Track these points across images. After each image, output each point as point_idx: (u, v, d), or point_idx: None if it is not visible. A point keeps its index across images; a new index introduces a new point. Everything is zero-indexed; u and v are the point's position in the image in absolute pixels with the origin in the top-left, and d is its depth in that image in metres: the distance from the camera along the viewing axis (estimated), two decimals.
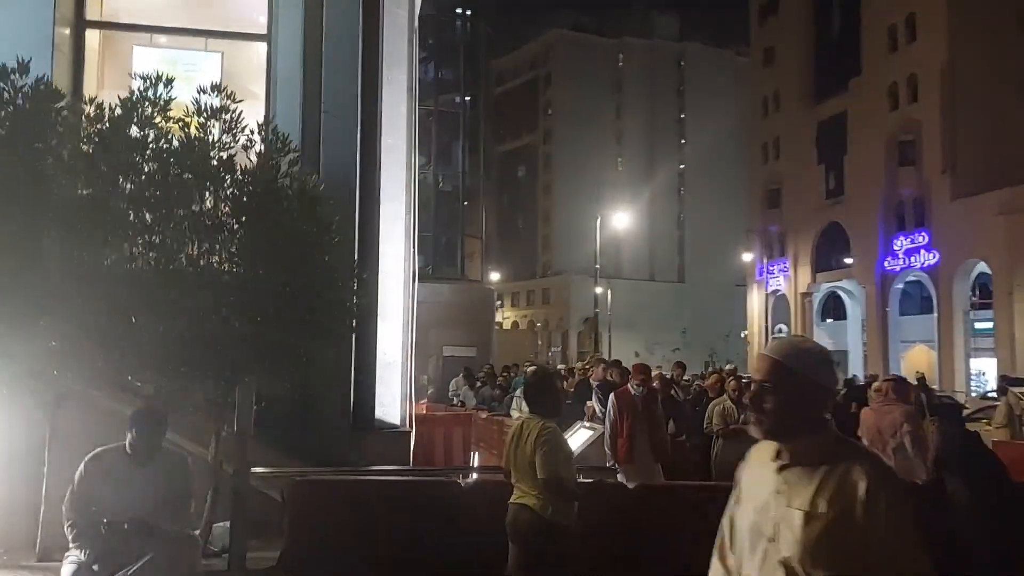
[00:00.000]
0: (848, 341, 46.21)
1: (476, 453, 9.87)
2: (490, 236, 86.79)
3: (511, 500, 4.45)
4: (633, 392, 7.29)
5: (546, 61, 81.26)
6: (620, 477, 6.92)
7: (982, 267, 36.46)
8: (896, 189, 40.68)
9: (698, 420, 9.05)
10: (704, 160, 78.08)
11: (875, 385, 7.61)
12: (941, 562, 2.04)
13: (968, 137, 37.21)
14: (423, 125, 19.99)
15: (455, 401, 13.17)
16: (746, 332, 53.89)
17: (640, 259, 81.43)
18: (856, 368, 42.82)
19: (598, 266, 36.50)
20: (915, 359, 41.66)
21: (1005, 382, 13.98)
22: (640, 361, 9.49)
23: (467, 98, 20.65)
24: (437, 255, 20.08)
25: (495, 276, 77.48)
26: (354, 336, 6.58)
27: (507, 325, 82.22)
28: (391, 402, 7.00)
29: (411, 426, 8.00)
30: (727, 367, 27.38)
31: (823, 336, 48.62)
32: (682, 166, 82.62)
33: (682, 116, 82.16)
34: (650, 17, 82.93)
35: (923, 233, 38.88)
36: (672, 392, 8.30)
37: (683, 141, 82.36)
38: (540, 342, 77.56)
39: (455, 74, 20.68)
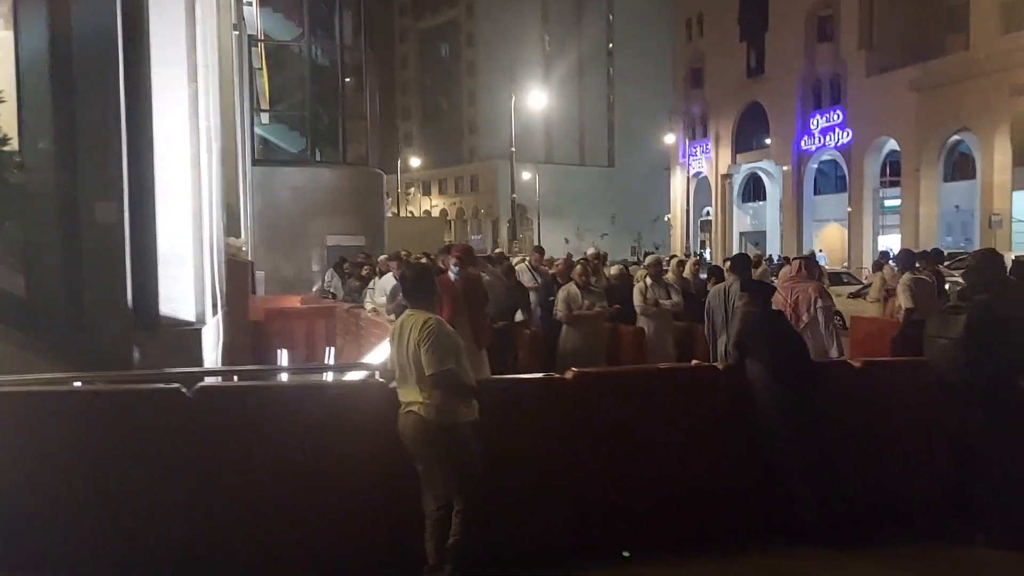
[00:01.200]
0: (767, 222, 46.86)
1: (332, 349, 9.47)
2: (411, 119, 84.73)
3: (401, 410, 4.15)
4: (452, 277, 6.91)
5: None
6: None
7: (892, 145, 36.82)
8: (814, 67, 40.38)
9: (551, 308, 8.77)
10: (634, 39, 76.27)
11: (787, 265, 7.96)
12: None
13: (885, 12, 36.82)
14: None
15: (328, 294, 12.70)
16: (668, 216, 54.16)
17: (570, 143, 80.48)
18: (773, 247, 43.69)
19: (513, 149, 35.61)
20: (828, 237, 42.58)
21: (882, 258, 14.13)
22: (570, 250, 9.26)
23: None
24: (316, 137, 19.01)
25: (415, 162, 75.89)
26: (127, 222, 5.98)
27: (435, 213, 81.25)
28: (180, 297, 6.47)
29: (216, 321, 7.51)
30: (648, 252, 27.48)
31: (743, 217, 49.35)
32: (611, 45, 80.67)
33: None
34: None
35: (838, 111, 38.92)
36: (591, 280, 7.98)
37: (611, 17, 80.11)
38: (461, 230, 76.98)
39: None
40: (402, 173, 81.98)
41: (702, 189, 50.66)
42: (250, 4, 14.26)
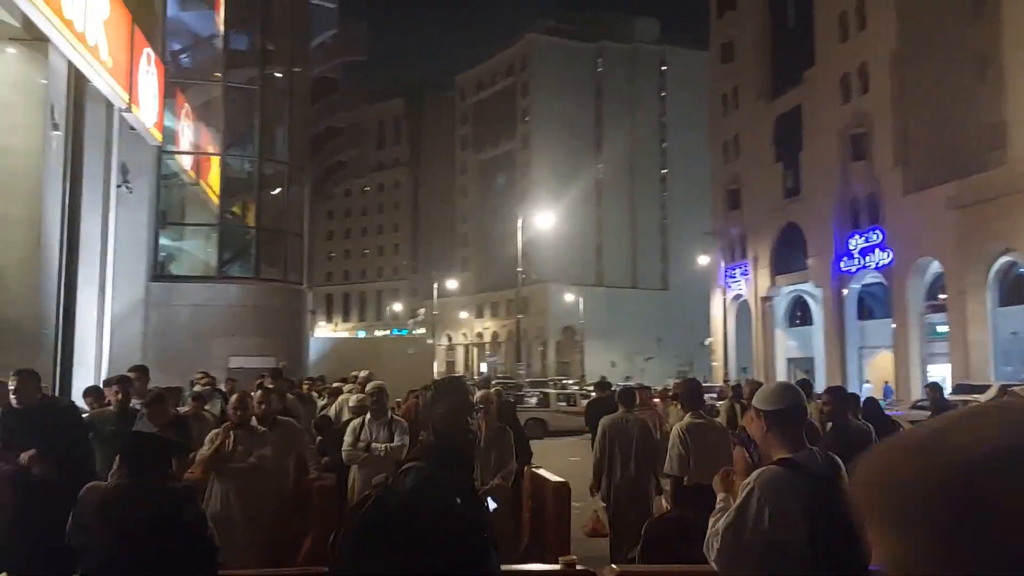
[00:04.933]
0: (815, 348, 43.80)
1: None
2: (469, 246, 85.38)
3: None
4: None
5: (523, 68, 79.55)
6: None
7: (937, 266, 34.06)
8: (850, 185, 38.46)
9: None
10: (686, 163, 75.88)
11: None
12: None
13: (920, 129, 34.99)
14: (227, 100, 18.30)
15: None
16: (710, 339, 51.56)
17: (622, 266, 79.33)
18: (820, 376, 40.54)
19: (520, 269, 34.58)
20: (879, 365, 39.26)
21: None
22: (624, 373, 7.83)
23: (279, 74, 18.68)
24: (229, 252, 18.16)
25: (452, 284, 75.81)
26: None
27: (487, 336, 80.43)
28: None
29: None
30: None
31: (790, 342, 46.37)
32: (664, 170, 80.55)
33: (663, 119, 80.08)
34: (630, 21, 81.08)
35: (877, 231, 36.59)
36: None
37: (664, 144, 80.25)
38: (511, 353, 75.49)
39: (278, 46, 18.77)
40: (454, 296, 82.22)
41: (744, 312, 48.16)
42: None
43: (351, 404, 7.04)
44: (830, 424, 6.30)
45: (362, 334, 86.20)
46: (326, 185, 63.38)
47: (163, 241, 17.67)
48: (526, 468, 7.14)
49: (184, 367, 13.30)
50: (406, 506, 2.40)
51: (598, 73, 79.89)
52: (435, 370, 65.61)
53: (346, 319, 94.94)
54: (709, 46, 52.63)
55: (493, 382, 17.24)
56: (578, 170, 76.01)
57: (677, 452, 5.65)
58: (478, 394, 6.73)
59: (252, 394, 6.51)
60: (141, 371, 6.89)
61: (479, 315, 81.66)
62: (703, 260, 50.89)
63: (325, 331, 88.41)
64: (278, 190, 19.26)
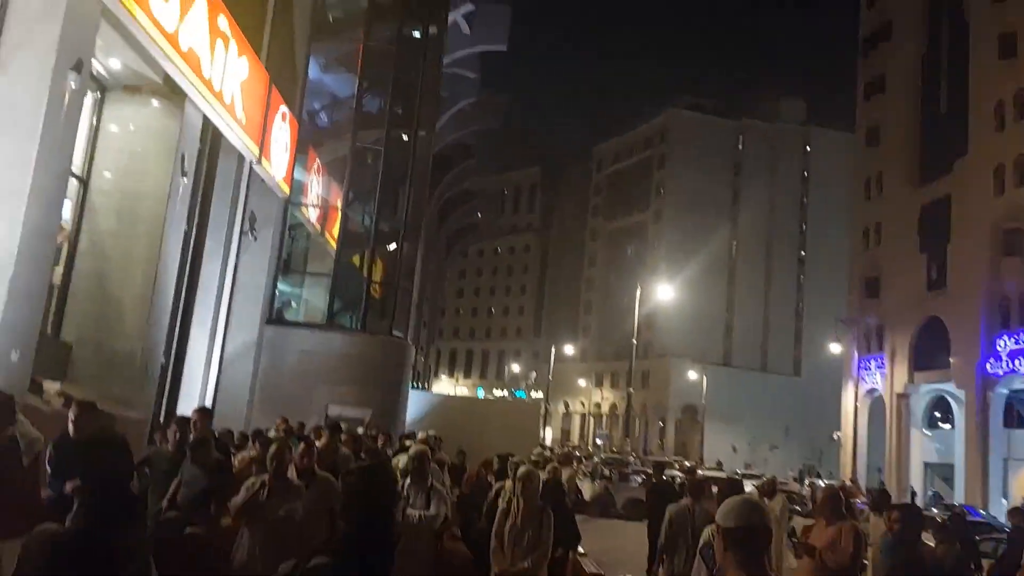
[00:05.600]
0: (955, 452, 40.39)
1: None
2: (591, 313, 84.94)
3: None
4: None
5: (661, 140, 79.62)
6: None
7: None
8: (1001, 281, 35.71)
9: None
10: (826, 248, 73.01)
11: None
12: None
13: None
14: (354, 158, 19.20)
15: None
16: (839, 434, 48.60)
17: (751, 347, 76.61)
18: (960, 485, 37.34)
19: (635, 342, 33.84)
20: None
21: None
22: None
23: (405, 136, 19.48)
24: (341, 303, 18.77)
25: (570, 350, 75.15)
26: None
27: (605, 406, 79.19)
28: None
29: None
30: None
31: (929, 445, 43.00)
32: (803, 252, 77.75)
33: (805, 201, 77.72)
34: (775, 100, 79.84)
35: None
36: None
37: (804, 227, 77.69)
38: (629, 426, 73.99)
39: (405, 110, 19.66)
40: (575, 363, 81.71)
41: (878, 407, 45.20)
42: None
43: (400, 466, 6.99)
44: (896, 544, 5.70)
45: (481, 392, 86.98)
46: (457, 245, 65.36)
47: (281, 287, 18.65)
48: (570, 553, 6.85)
49: (288, 409, 13.74)
50: None
51: (738, 150, 78.83)
52: (543, 436, 65.17)
53: (467, 375, 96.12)
54: (855, 129, 50.94)
55: (595, 459, 16.68)
56: (709, 246, 74.64)
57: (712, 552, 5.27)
58: (520, 470, 6.53)
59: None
60: (203, 413, 7.13)
61: (598, 383, 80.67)
62: (835, 348, 48.35)
63: (446, 385, 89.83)
64: (392, 246, 19.92)
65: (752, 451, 65.24)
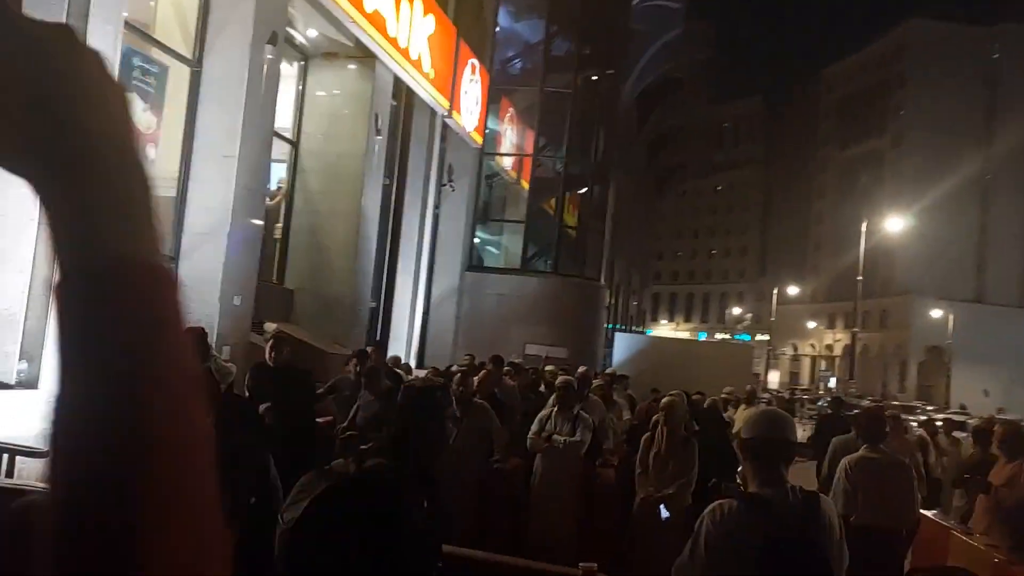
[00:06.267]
0: None
1: None
2: (820, 250, 79.88)
3: None
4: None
5: (899, 58, 72.37)
6: None
7: None
8: None
9: None
10: None
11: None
12: None
13: None
14: (543, 104, 19.45)
15: None
16: None
17: (1010, 282, 68.76)
18: None
19: (860, 278, 31.60)
20: None
21: None
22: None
23: (598, 76, 19.26)
24: (535, 247, 19.15)
25: (794, 291, 71.11)
26: None
27: (837, 348, 74.92)
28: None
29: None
30: None
31: None
32: None
33: None
34: None
35: None
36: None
37: None
38: (865, 369, 69.69)
39: (594, 51, 19.47)
40: (803, 304, 77.82)
41: None
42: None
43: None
44: None
45: (703, 336, 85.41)
46: (670, 184, 64.05)
47: (481, 234, 19.54)
48: (723, 484, 6.86)
49: (488, 348, 14.53)
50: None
51: (993, 61, 69.84)
52: (765, 379, 62.81)
53: (688, 319, 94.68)
54: None
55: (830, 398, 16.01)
56: (958, 172, 67.28)
57: (842, 488, 5.08)
58: (664, 400, 6.64)
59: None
60: (377, 347, 7.86)
61: (830, 325, 76.37)
62: None
63: (666, 330, 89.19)
64: (584, 190, 20.09)
65: (1008, 395, 58.98)
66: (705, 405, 8.77)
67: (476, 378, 7.19)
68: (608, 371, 12.68)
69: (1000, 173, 69.10)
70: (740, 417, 11.67)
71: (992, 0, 71.52)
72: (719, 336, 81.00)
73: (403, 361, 11.93)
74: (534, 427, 6.82)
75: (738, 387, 17.00)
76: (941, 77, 68.66)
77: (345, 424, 6.99)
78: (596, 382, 9.65)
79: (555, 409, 6.75)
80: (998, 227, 69.25)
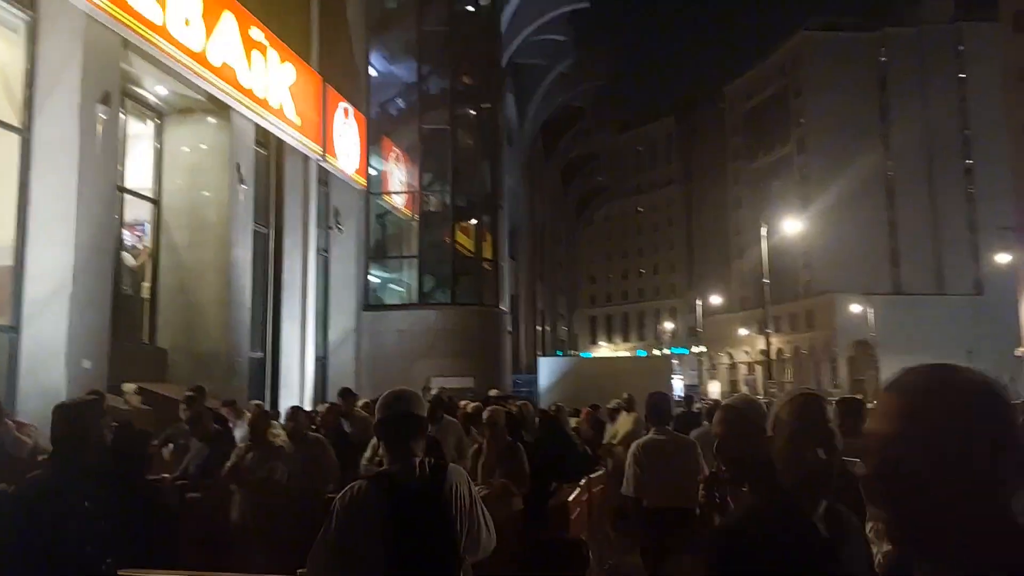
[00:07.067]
0: None
1: None
2: (741, 259, 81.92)
3: None
4: None
5: (795, 67, 75.31)
6: None
7: None
8: None
9: None
10: (997, 151, 66.60)
11: None
12: None
13: None
14: (423, 141, 19.72)
15: None
16: (1021, 349, 44.57)
17: (923, 271, 71.34)
18: None
19: (766, 281, 32.65)
20: None
21: None
22: None
23: (475, 110, 19.68)
24: (431, 280, 19.31)
25: (717, 300, 72.67)
26: None
27: (772, 353, 76.42)
28: None
29: None
30: None
31: None
32: (969, 161, 71.30)
33: (963, 104, 71.12)
34: (917, 1, 73.39)
35: None
36: None
37: (967, 132, 71.18)
38: (799, 370, 71.45)
39: (468, 88, 19.93)
40: (733, 312, 79.46)
41: None
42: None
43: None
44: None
45: (643, 353, 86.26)
46: (589, 210, 65.03)
47: (378, 273, 19.56)
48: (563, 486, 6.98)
49: (392, 386, 14.45)
50: None
51: (880, 63, 73.17)
52: (705, 388, 63.40)
53: (626, 339, 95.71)
54: (999, 17, 46.17)
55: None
56: (862, 171, 69.95)
57: (632, 472, 5.22)
58: (485, 413, 6.75)
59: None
60: (198, 390, 7.68)
61: (760, 331, 77.96)
62: (1002, 259, 44.28)
63: (605, 351, 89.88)
64: (473, 221, 20.33)
65: None
66: (552, 412, 8.90)
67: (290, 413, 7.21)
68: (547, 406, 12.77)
69: (900, 167, 72.02)
70: (621, 424, 11.88)
71: (876, 6, 75.24)
72: (656, 352, 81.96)
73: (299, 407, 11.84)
74: (367, 453, 6.85)
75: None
76: (836, 82, 71.62)
77: (178, 473, 6.90)
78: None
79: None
80: (907, 219, 71.96)
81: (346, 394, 8.49)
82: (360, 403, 8.79)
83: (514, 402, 13.01)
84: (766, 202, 78.82)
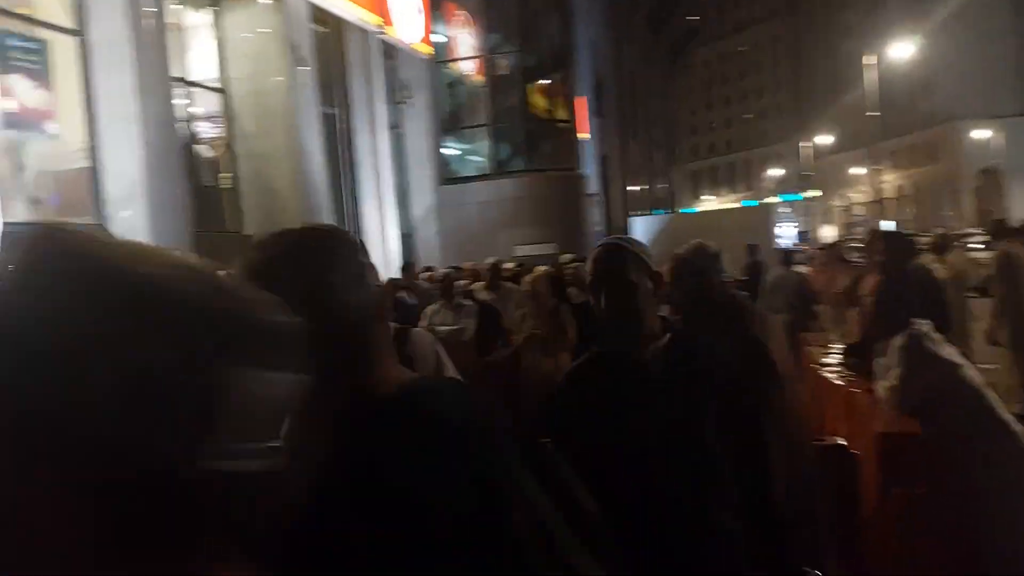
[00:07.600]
0: None
1: None
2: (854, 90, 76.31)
3: None
4: None
5: None
6: None
7: None
8: None
9: None
10: None
11: None
12: None
13: None
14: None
15: None
16: None
17: None
18: None
19: (870, 113, 30.06)
20: None
21: None
22: None
23: None
24: (503, 149, 18.82)
25: (827, 140, 68.41)
26: None
27: (888, 191, 72.50)
28: None
29: None
30: None
31: None
32: None
33: None
34: None
35: None
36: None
37: None
38: (922, 209, 67.45)
39: None
40: (846, 152, 75.22)
41: None
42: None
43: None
44: None
45: (754, 204, 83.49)
46: (683, 56, 61.72)
47: (455, 145, 19.26)
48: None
49: (479, 258, 14.60)
50: None
51: None
52: (782, 236, 61.40)
53: (734, 190, 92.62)
54: None
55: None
56: None
57: None
58: (524, 280, 6.72)
59: None
60: None
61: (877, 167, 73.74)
62: None
63: (713, 205, 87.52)
64: (546, 81, 19.61)
65: None
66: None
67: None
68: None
69: None
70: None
71: None
72: (768, 200, 79.15)
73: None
74: (422, 321, 7.01)
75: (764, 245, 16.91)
76: None
77: None
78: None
79: (441, 302, 6.94)
80: None
81: (407, 267, 8.64)
82: (425, 274, 8.94)
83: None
84: (878, 28, 72.73)
